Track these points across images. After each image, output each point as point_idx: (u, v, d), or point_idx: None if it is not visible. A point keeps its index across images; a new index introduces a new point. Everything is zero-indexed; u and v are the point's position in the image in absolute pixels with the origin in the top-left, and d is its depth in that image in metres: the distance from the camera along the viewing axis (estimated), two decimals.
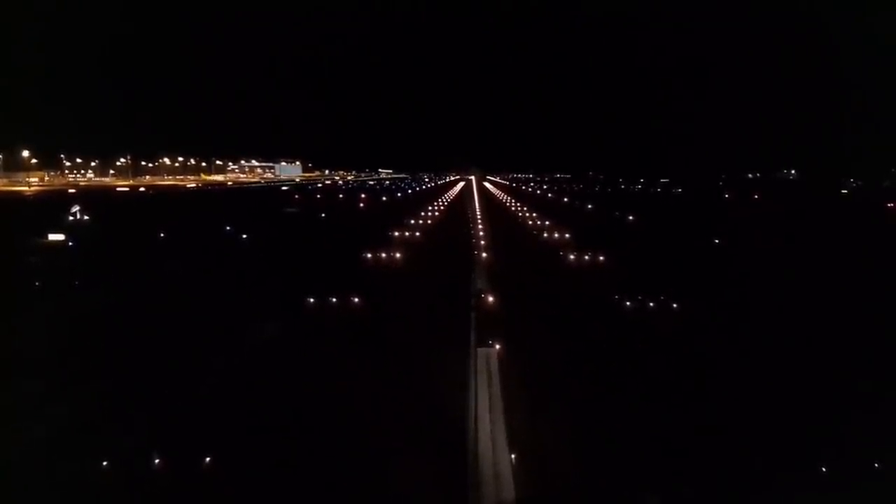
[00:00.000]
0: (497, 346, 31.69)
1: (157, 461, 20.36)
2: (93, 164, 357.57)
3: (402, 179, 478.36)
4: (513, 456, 20.49)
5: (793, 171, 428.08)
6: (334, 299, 43.51)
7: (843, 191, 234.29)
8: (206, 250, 71.73)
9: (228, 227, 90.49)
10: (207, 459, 20.48)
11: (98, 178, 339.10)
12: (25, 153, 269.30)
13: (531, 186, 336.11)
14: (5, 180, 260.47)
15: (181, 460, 20.49)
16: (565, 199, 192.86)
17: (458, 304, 42.62)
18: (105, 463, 20.27)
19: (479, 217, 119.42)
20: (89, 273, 55.87)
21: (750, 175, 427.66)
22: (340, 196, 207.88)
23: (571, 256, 64.95)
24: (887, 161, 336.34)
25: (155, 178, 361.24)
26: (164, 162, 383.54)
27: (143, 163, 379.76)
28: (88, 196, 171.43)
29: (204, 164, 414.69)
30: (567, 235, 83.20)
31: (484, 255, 66.06)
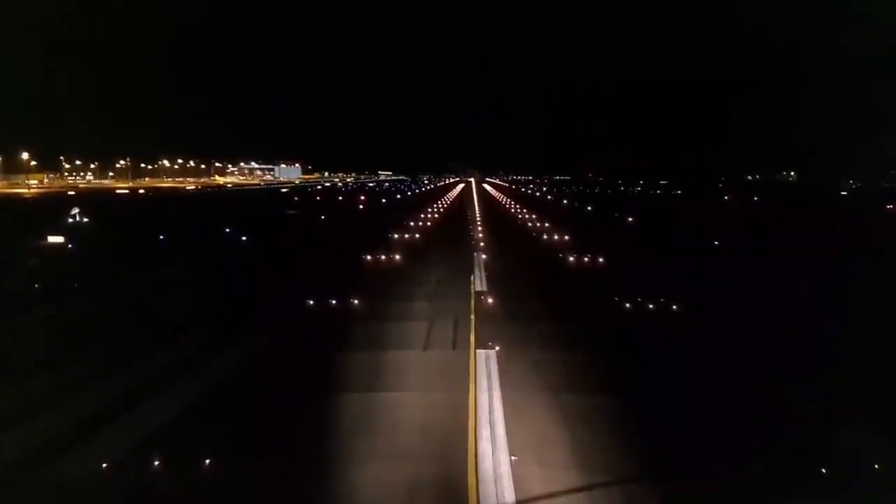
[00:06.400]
0: (497, 348, 31.65)
1: (156, 463, 20.36)
2: (92, 166, 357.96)
3: (401, 181, 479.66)
4: (513, 458, 20.45)
5: (792, 174, 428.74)
6: (332, 301, 43.51)
7: (843, 192, 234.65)
8: (206, 252, 71.69)
9: (228, 230, 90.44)
10: (207, 462, 20.49)
11: (98, 181, 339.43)
12: (25, 155, 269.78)
13: (531, 188, 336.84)
14: (5, 182, 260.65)
15: (180, 462, 20.50)
16: (565, 201, 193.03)
17: (456, 305, 42.55)
18: (105, 465, 20.27)
19: (478, 218, 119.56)
20: (88, 275, 55.76)
21: (749, 177, 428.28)
22: (340, 198, 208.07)
23: (571, 258, 64.94)
24: (886, 163, 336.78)
25: (154, 180, 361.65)
26: (164, 164, 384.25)
27: (143, 165, 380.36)
28: (88, 198, 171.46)
29: (203, 166, 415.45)
30: (566, 237, 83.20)
31: (483, 256, 66.03)
